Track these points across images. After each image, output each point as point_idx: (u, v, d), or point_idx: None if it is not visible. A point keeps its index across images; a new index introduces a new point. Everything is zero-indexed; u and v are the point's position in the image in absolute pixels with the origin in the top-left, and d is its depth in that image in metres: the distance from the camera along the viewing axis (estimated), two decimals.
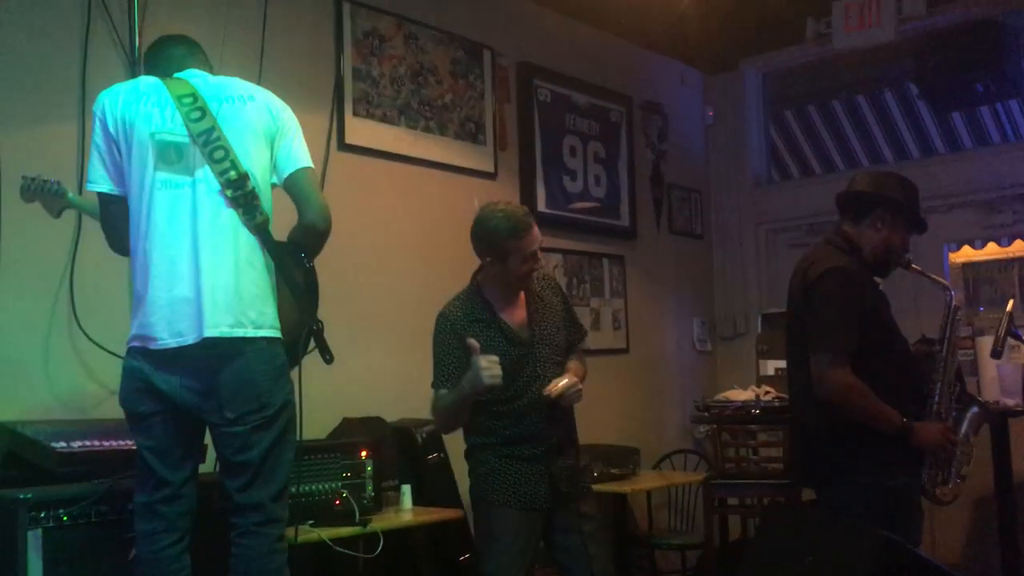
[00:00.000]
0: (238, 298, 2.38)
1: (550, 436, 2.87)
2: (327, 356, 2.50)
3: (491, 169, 4.72)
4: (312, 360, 2.54)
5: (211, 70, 2.66)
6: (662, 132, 5.93)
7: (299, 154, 2.56)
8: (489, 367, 2.68)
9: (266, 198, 2.50)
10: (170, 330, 2.35)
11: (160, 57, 2.63)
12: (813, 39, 5.58)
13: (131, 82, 2.56)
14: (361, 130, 4.12)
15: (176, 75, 2.54)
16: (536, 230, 2.84)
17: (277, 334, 2.46)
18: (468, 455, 3.00)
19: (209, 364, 2.36)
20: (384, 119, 4.23)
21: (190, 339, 2.34)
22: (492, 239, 2.80)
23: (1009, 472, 4.41)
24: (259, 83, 2.75)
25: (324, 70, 4.02)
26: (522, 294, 2.95)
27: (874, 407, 2.75)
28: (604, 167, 5.40)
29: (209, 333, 2.34)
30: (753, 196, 6.18)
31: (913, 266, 2.99)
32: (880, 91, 6.26)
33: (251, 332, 2.39)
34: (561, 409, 2.90)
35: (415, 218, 4.34)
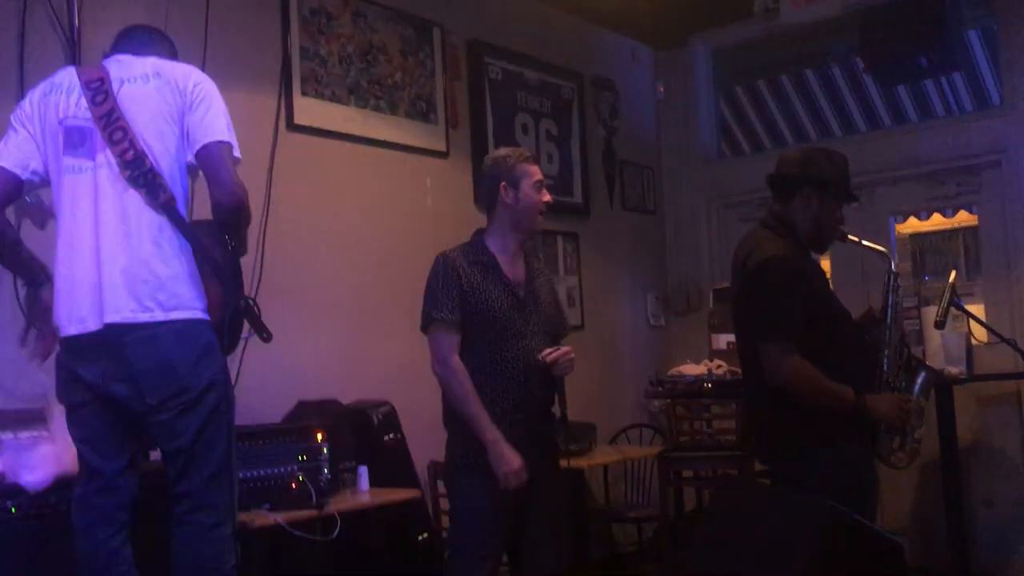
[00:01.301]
0: (143, 281, 2.32)
1: (532, 399, 2.88)
2: (263, 334, 2.43)
3: (443, 148, 4.70)
4: (264, 343, 2.49)
5: (174, 58, 2.60)
6: (614, 109, 5.94)
7: (209, 127, 2.42)
8: (511, 471, 2.74)
9: (172, 177, 2.41)
10: (70, 316, 2.33)
11: (122, 38, 2.59)
12: (761, 14, 5.59)
13: (51, 76, 2.54)
14: (310, 110, 4.07)
15: (105, 59, 2.51)
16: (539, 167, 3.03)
17: (197, 315, 2.39)
18: (447, 420, 2.96)
19: (122, 351, 2.30)
20: (333, 98, 4.19)
21: (92, 326, 2.30)
22: (504, 163, 2.96)
23: (954, 438, 4.52)
24: (203, 65, 2.70)
25: (271, 50, 3.96)
26: (522, 259, 3.01)
27: (827, 390, 2.75)
28: (556, 144, 5.41)
29: (109, 319, 2.30)
30: (704, 171, 6.22)
31: (849, 237, 2.99)
32: (828, 65, 6.31)
33: (160, 316, 2.32)
34: (552, 381, 2.92)
35: (366, 198, 4.31)
